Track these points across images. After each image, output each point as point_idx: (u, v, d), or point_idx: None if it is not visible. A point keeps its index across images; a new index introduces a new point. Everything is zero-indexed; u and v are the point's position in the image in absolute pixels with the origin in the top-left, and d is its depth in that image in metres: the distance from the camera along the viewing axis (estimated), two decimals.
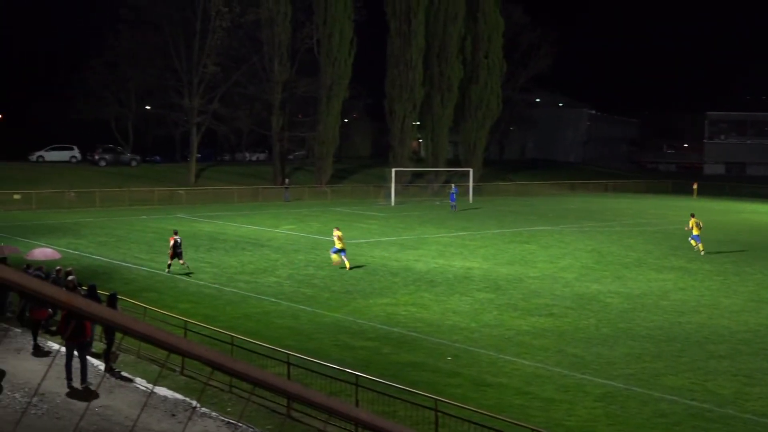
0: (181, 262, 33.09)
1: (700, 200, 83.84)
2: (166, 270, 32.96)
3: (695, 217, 42.85)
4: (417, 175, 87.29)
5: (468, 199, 75.10)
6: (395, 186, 71.90)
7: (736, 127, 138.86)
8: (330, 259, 35.40)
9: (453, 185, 70.45)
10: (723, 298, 30.66)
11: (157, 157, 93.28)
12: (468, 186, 77.31)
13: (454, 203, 65.71)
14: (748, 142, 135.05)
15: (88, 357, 19.94)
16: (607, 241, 46.90)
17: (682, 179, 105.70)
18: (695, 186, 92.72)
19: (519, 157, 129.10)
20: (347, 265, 34.40)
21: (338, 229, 36.09)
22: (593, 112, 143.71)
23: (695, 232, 41.90)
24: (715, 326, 25.82)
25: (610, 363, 21.36)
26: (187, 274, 32.56)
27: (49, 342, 22.76)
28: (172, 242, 33.03)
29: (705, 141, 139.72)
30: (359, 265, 35.46)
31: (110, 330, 19.46)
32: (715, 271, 36.84)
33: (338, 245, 34.75)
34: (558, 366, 20.95)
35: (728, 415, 17.65)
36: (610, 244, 45.36)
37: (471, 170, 79.88)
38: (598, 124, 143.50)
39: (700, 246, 41.59)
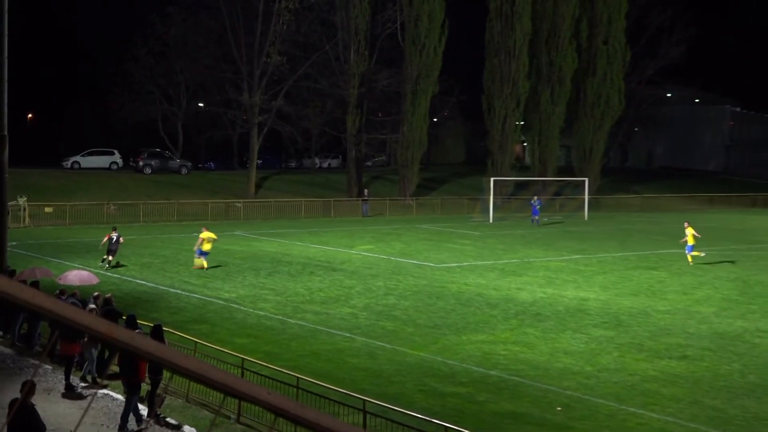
0: (109, 258, 39.20)
1: None
2: (101, 263, 39.31)
3: None
4: (521, 186, 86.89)
5: (583, 216, 74.38)
6: (494, 199, 71.66)
7: None
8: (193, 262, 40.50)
9: (536, 197, 71.78)
10: None
11: (211, 164, 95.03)
12: (583, 199, 76.61)
13: (536, 217, 67.32)
14: None
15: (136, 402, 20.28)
16: (754, 268, 45.90)
17: None
18: None
19: (645, 164, 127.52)
20: (204, 265, 39.85)
21: (207, 229, 42.11)
22: (738, 109, 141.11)
23: None
24: None
25: (759, 419, 20.88)
26: (115, 266, 38.82)
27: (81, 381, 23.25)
28: (106, 239, 39.60)
29: None
30: (447, 290, 35.44)
31: (156, 368, 19.82)
32: None
33: (206, 247, 40.33)
34: (693, 421, 20.58)
35: None
36: (759, 272, 44.38)
37: (586, 180, 79.20)
38: (744, 125, 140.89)
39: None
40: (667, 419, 20.69)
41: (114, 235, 39.70)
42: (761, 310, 34.30)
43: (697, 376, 24.40)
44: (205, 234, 41.14)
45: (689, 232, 45.26)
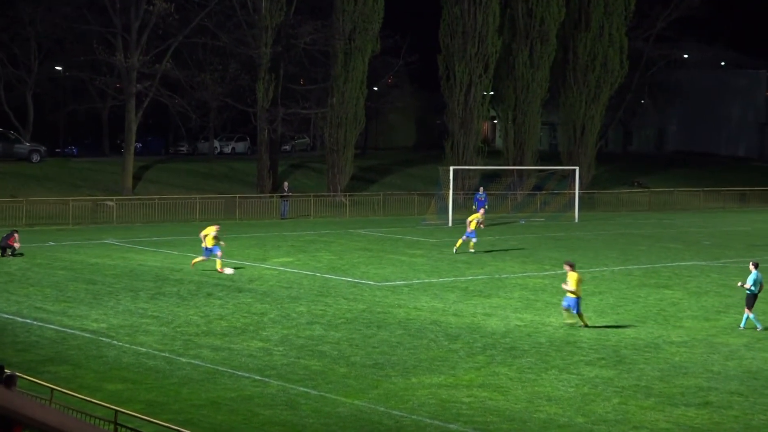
0: None
1: None
2: None
3: None
4: (490, 178, 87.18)
5: (573, 217, 74.86)
6: (454, 195, 71.83)
7: None
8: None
9: (482, 188, 72.41)
10: None
11: (74, 149, 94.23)
12: (573, 195, 77.05)
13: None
14: None
15: None
16: None
17: None
18: None
19: (656, 148, 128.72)
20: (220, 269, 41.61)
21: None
22: None
23: None
24: None
25: None
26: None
27: None
28: None
29: None
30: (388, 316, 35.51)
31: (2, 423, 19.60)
32: None
33: (209, 243, 43.14)
34: None
35: None
36: None
37: (577, 169, 79.75)
38: None
39: None
40: None
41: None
42: None
43: (724, 429, 24.70)
44: (207, 230, 45.11)
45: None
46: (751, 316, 36.23)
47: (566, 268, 36.01)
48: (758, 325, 36.18)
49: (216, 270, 44.79)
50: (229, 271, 44.43)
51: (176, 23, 79.12)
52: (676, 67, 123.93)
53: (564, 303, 35.48)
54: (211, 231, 45.42)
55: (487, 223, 66.69)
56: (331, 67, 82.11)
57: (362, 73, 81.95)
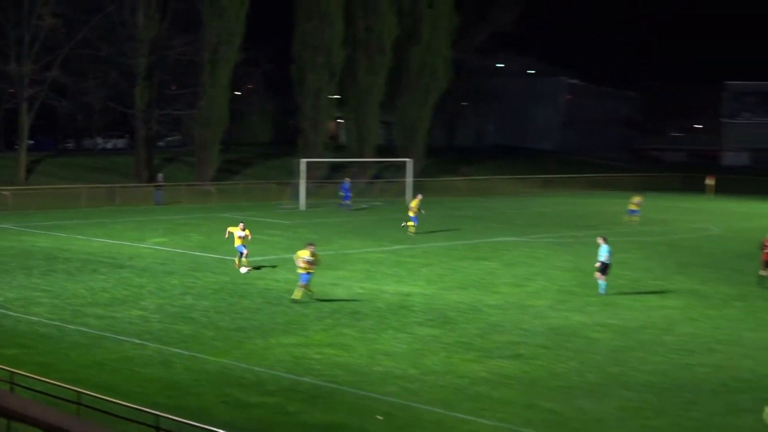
0: None
1: (716, 200, 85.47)
2: None
3: None
4: (336, 169, 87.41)
5: (405, 201, 75.38)
6: (306, 183, 71.82)
7: (765, 101, 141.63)
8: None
9: (347, 178, 73.90)
10: (746, 330, 31.34)
11: None
12: (405, 182, 77.62)
13: (348, 201, 69.81)
14: None
15: None
16: (593, 257, 47.24)
17: (693, 172, 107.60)
18: (710, 181, 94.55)
19: (475, 143, 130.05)
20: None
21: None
22: (576, 82, 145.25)
23: None
24: (735, 369, 26.36)
25: (598, 420, 21.65)
26: None
27: None
28: None
29: (724, 121, 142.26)
30: (250, 285, 35.38)
31: None
32: (736, 295, 37.63)
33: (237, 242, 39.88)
34: (528, 426, 21.15)
35: None
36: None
37: (410, 161, 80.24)
38: (583, 100, 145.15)
39: None
40: (499, 425, 21.20)
41: None
42: (599, 302, 35.54)
43: (532, 377, 25.08)
44: (233, 229, 41.96)
45: None
46: (603, 283, 36.85)
47: (309, 248, 35.43)
48: (602, 291, 36.85)
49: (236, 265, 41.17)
50: (243, 270, 40.33)
51: (63, 36, 77.70)
52: (493, 75, 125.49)
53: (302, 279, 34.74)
54: (235, 230, 41.43)
55: (337, 207, 66.79)
56: (200, 75, 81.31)
57: (226, 79, 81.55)
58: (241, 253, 40.70)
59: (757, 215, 73.85)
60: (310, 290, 33.66)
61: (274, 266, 41.86)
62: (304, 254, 33.40)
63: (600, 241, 37.35)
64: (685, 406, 22.86)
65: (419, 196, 57.44)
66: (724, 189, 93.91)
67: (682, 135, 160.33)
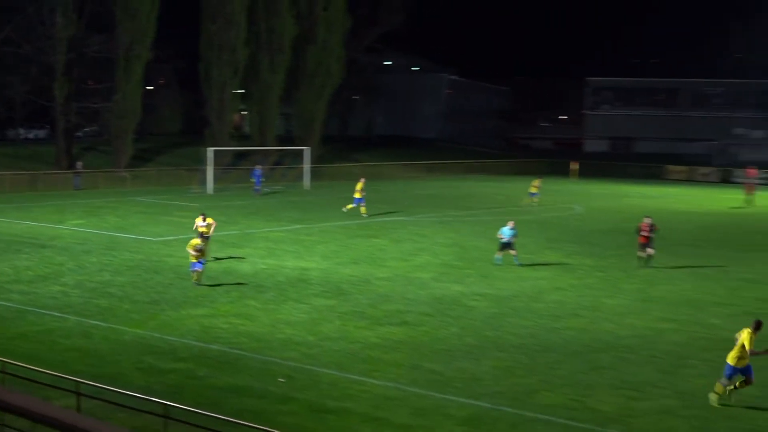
0: None
1: (580, 183, 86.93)
2: None
3: None
4: (241, 156, 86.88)
5: (303, 185, 75.36)
6: (213, 170, 71.37)
7: (621, 95, 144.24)
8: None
9: (259, 166, 73.55)
10: (606, 298, 31.99)
11: None
12: (303, 168, 77.57)
13: (259, 186, 69.31)
14: (636, 113, 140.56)
15: None
16: (471, 234, 48.03)
17: (559, 158, 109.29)
18: (574, 166, 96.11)
19: (366, 133, 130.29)
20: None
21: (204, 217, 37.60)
22: (456, 78, 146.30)
23: None
24: (596, 332, 26.91)
25: (476, 379, 21.92)
26: None
27: None
28: None
29: (585, 113, 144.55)
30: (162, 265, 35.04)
31: None
32: (597, 267, 38.39)
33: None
34: (413, 385, 21.34)
35: None
36: (475, 237, 46.47)
37: (307, 149, 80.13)
38: (461, 93, 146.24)
39: None
40: (388, 385, 21.37)
41: None
42: (477, 274, 35.99)
43: (417, 341, 25.31)
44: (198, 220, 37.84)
45: None
46: (513, 254, 37.69)
47: (201, 216, 35.11)
48: (499, 261, 37.62)
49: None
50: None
51: None
52: (381, 72, 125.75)
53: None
54: (198, 221, 37.48)
55: (245, 191, 66.35)
56: (115, 71, 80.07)
57: (139, 75, 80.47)
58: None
59: (614, 196, 75.34)
60: (198, 278, 32.06)
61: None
62: (195, 243, 32.43)
63: (510, 224, 37.97)
64: (553, 365, 23.27)
65: (362, 180, 56.65)
66: (586, 173, 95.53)
67: (549, 125, 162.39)
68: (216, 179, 71.62)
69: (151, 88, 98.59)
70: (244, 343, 24.71)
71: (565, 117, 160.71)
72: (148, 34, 79.56)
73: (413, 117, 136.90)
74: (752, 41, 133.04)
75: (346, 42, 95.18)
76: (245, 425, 16.49)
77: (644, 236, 38.15)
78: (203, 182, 71.07)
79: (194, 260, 31.93)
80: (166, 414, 16.85)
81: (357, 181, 56.43)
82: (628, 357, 24.23)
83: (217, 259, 37.06)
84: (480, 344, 25.14)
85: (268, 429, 15.80)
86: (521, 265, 37.40)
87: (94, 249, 40.13)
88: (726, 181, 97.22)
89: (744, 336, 20.13)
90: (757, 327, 20.40)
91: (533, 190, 65.39)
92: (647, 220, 38.50)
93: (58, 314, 27.68)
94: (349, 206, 54.83)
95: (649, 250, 38.11)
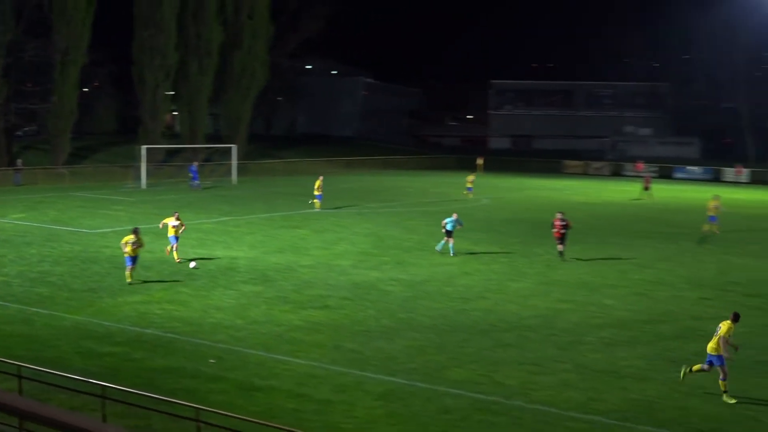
0: None
1: (485, 176, 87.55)
2: None
3: (716, 200, 47.71)
4: (172, 154, 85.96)
5: (232, 180, 74.88)
6: (146, 166, 70.56)
7: (522, 97, 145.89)
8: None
9: (195, 162, 73.14)
10: (510, 281, 32.34)
11: None
12: (231, 165, 77.07)
13: (196, 182, 68.74)
14: (536, 113, 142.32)
15: None
16: (386, 224, 48.16)
17: (466, 154, 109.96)
18: (480, 161, 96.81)
19: (289, 132, 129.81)
20: (175, 257, 34.71)
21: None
22: (371, 80, 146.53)
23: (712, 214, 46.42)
24: (502, 312, 27.20)
25: (391, 358, 22.02)
26: None
27: None
28: None
29: (490, 112, 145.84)
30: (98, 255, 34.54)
31: None
32: (502, 253, 38.75)
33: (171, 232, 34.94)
34: (334, 364, 21.37)
35: (515, 407, 18.69)
36: (390, 227, 46.63)
37: (234, 147, 79.57)
38: (376, 95, 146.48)
39: (714, 227, 46.12)
40: (311, 364, 21.36)
41: None
42: (392, 261, 36.11)
43: (338, 324, 25.34)
44: (165, 220, 36.22)
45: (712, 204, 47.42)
46: (450, 244, 37.55)
47: (175, 215, 35.28)
48: (452, 252, 37.42)
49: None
50: (192, 264, 33.39)
51: None
52: (302, 75, 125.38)
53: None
54: (169, 221, 35.58)
55: (176, 185, 65.63)
56: (52, 74, 78.60)
57: (75, 78, 79.05)
58: (172, 245, 35.31)
59: (517, 188, 76.04)
60: (131, 275, 30.44)
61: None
62: (129, 238, 31.20)
63: (454, 215, 38.10)
64: (461, 344, 23.45)
65: (321, 177, 56.81)
66: (491, 167, 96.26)
67: (456, 124, 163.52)
68: (149, 175, 70.81)
69: (87, 89, 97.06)
70: (177, 327, 24.50)
71: (472, 116, 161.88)
72: (84, 39, 78.24)
73: (332, 117, 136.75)
74: (639, 47, 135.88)
75: (269, 47, 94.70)
76: (179, 403, 16.36)
77: (557, 231, 37.49)
78: (137, 178, 70.19)
79: (127, 255, 30.71)
80: (104, 394, 16.64)
81: (314, 179, 57.07)
82: (530, 335, 24.52)
83: (184, 261, 35.58)
84: (395, 325, 25.24)
85: (200, 406, 15.68)
86: (455, 254, 37.34)
87: (35, 241, 39.41)
88: (617, 174, 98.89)
89: (723, 328, 20.04)
90: (735, 319, 20.41)
91: (468, 185, 66.20)
92: (559, 215, 37.77)
93: (1, 302, 27.15)
94: (315, 201, 54.59)
95: (559, 247, 37.37)
